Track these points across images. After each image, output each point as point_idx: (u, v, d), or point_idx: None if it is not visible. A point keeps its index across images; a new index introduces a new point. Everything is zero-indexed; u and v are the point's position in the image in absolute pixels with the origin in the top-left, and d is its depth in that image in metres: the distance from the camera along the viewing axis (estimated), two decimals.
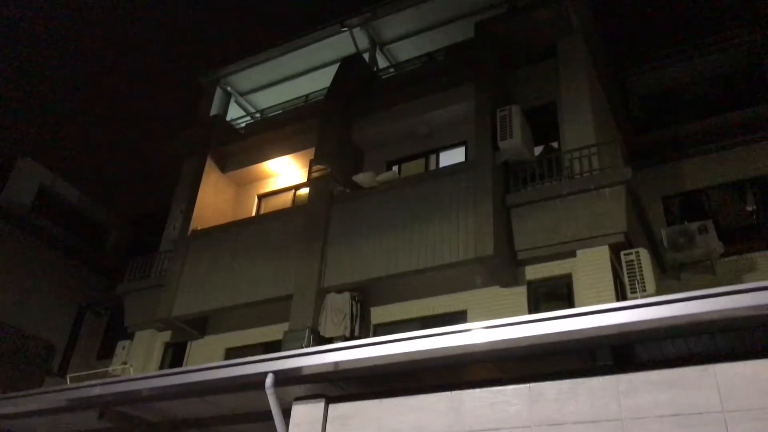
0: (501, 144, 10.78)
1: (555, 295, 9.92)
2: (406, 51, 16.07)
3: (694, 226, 11.09)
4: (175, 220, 14.95)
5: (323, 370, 5.72)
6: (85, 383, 7.13)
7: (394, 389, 5.67)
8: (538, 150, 11.67)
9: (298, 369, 5.78)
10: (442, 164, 12.72)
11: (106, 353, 16.07)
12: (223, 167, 15.40)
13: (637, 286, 8.80)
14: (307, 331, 10.88)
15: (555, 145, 11.55)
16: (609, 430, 4.49)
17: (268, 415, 5.99)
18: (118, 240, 19.73)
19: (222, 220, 14.39)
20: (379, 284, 11.20)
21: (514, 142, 10.68)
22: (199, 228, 14.13)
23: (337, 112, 13.70)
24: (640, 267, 9.06)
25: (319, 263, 11.69)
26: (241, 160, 15.28)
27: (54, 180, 18.41)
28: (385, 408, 5.58)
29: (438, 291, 10.86)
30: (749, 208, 12.02)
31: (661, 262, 11.56)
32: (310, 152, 13.71)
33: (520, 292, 10.20)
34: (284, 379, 5.84)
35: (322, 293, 11.44)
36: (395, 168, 13.20)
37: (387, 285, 11.16)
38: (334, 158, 12.93)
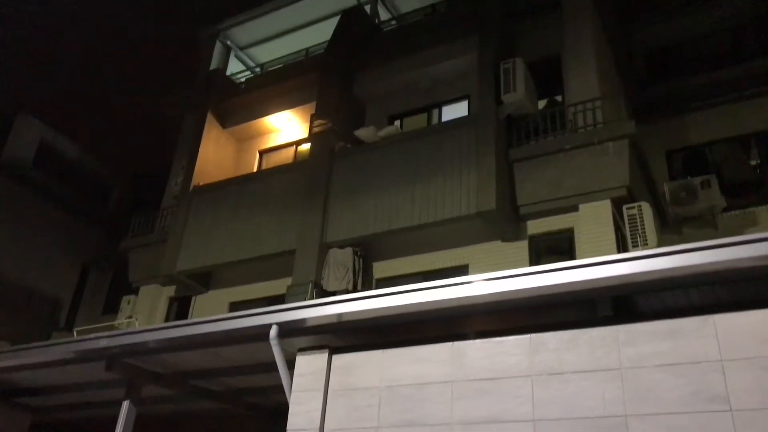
0: (504, 98, 10.68)
1: (556, 249, 9.97)
2: (408, 3, 15.78)
3: (696, 180, 11.05)
4: (176, 176, 14.95)
5: (326, 321, 5.77)
6: (92, 335, 7.22)
7: (396, 340, 5.73)
8: (541, 104, 11.56)
9: (302, 321, 5.84)
10: (444, 118, 12.64)
11: (112, 308, 16.27)
12: (224, 122, 15.31)
13: (638, 239, 8.83)
14: (310, 285, 10.98)
15: (559, 98, 11.43)
16: (608, 379, 4.55)
17: (272, 366, 6.08)
18: (121, 196, 19.75)
19: (223, 176, 14.39)
20: (380, 239, 11.25)
21: (518, 95, 10.58)
22: (200, 184, 14.13)
23: (338, 65, 13.54)
24: (642, 221, 9.07)
25: (321, 218, 11.72)
26: (241, 115, 15.19)
27: (54, 136, 18.32)
28: (387, 358, 5.66)
29: (440, 246, 10.91)
30: (753, 162, 11.96)
31: (663, 216, 11.57)
32: (311, 107, 13.61)
33: (522, 247, 10.25)
34: (288, 330, 5.91)
35: (324, 248, 11.50)
36: (397, 123, 13.12)
37: (389, 240, 11.21)
38: (335, 113, 12.83)
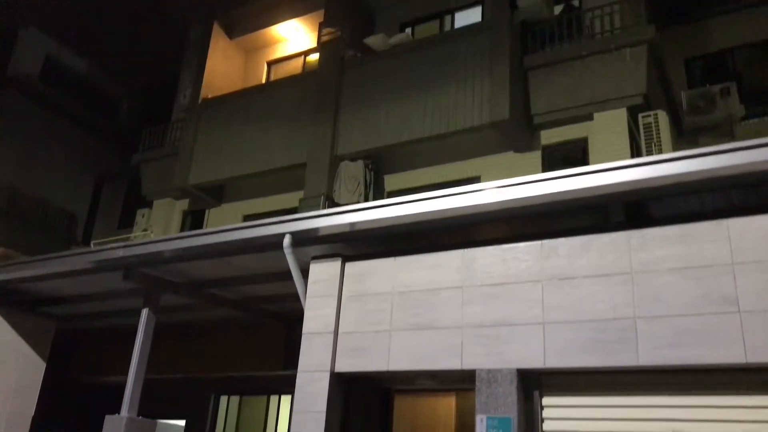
0: (519, 2, 10.29)
1: (570, 159, 9.86)
2: None
3: (716, 88, 10.74)
4: (185, 89, 14.77)
5: (339, 230, 5.83)
6: (109, 246, 7.36)
7: (408, 248, 5.80)
8: (557, 9, 11.15)
9: (315, 230, 5.90)
10: (457, 25, 12.25)
11: (127, 222, 16.48)
12: (231, 33, 14.95)
13: (653, 149, 8.71)
14: (322, 198, 11.02)
15: (575, 3, 11.01)
16: (618, 282, 4.61)
17: (287, 275, 6.20)
18: (130, 110, 19.60)
19: (232, 88, 14.19)
20: (392, 151, 11.17)
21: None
22: (209, 96, 13.97)
23: None
24: (658, 130, 8.93)
25: (332, 131, 11.61)
26: (248, 24, 14.79)
27: (60, 49, 18.00)
28: (399, 265, 5.74)
29: (451, 158, 10.84)
30: None
31: (679, 126, 11.35)
32: (320, 15, 13.22)
33: (535, 158, 10.16)
34: (301, 239, 5.98)
35: (335, 161, 11.46)
36: (408, 30, 12.73)
37: (400, 152, 11.13)
38: (345, 20, 12.46)
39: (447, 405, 9.16)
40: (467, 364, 5.02)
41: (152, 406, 8.10)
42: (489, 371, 4.88)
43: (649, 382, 4.45)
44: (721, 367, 4.14)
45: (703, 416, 4.22)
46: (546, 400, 4.81)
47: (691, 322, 4.24)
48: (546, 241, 5.05)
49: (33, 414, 8.91)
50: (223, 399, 11.40)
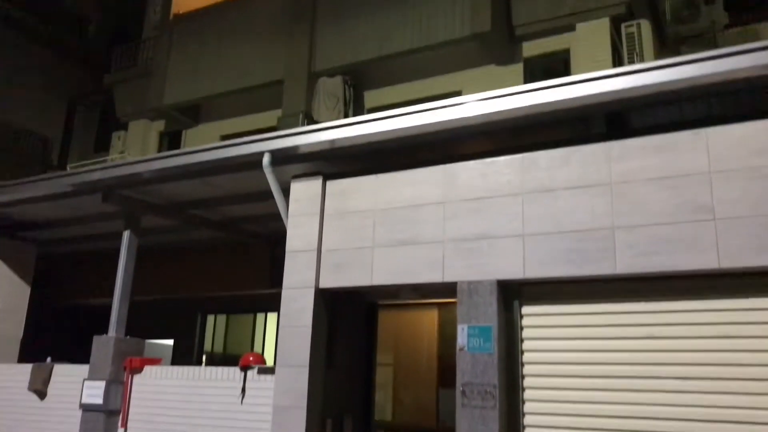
0: None
1: (552, 71, 9.72)
2: None
3: None
4: (155, 3, 14.18)
5: (319, 148, 5.77)
6: (86, 168, 7.24)
7: (389, 165, 5.77)
8: None
9: (295, 147, 5.83)
10: None
11: (103, 146, 16.17)
12: None
13: (635, 59, 8.61)
14: (301, 116, 10.86)
15: None
16: (598, 194, 4.65)
17: (268, 194, 6.17)
18: (99, 29, 18.86)
19: (204, 2, 13.62)
20: (371, 66, 10.93)
21: None
22: (181, 12, 13.44)
23: None
24: (640, 39, 8.81)
25: (308, 45, 11.31)
26: None
27: None
28: (381, 182, 5.73)
29: (432, 72, 10.65)
30: None
31: (661, 36, 11.19)
32: None
33: (517, 71, 10.02)
34: (281, 158, 5.92)
35: (313, 77, 11.22)
36: None
37: (380, 67, 10.91)
38: None
39: (430, 318, 9.42)
40: (449, 277, 5.11)
41: (140, 327, 8.23)
42: (470, 283, 4.98)
43: (626, 289, 4.58)
44: (695, 273, 4.26)
45: (677, 320, 4.38)
46: (525, 309, 4.94)
47: (668, 230, 4.32)
48: (527, 155, 5.05)
49: (21, 337, 9.02)
50: (210, 318, 11.61)
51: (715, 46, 10.78)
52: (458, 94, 10.27)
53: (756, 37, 10.56)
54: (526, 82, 9.84)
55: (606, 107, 4.65)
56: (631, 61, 8.62)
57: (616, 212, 4.53)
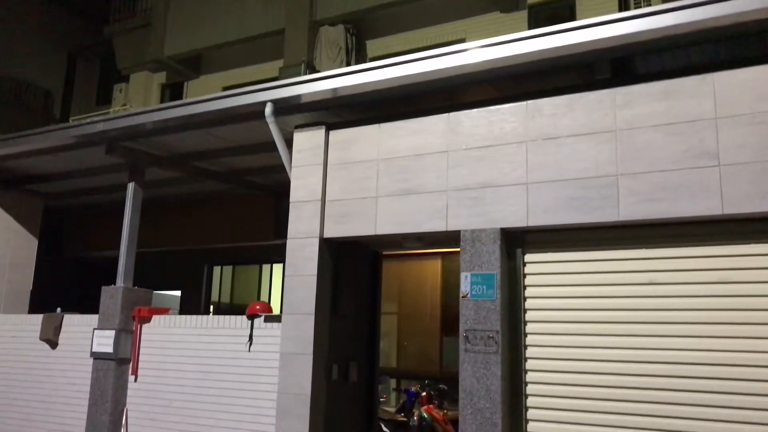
0: None
1: (557, 18, 9.56)
2: None
3: None
4: None
5: (321, 97, 5.72)
6: (89, 120, 7.22)
7: (392, 114, 5.73)
8: None
9: (297, 97, 5.79)
10: None
11: (105, 99, 16.10)
12: None
13: (642, 3, 8.43)
14: (303, 65, 10.75)
15: None
16: (602, 141, 4.62)
17: (271, 146, 6.16)
18: None
19: None
20: (374, 14, 10.77)
21: None
22: None
23: None
24: None
25: None
26: None
27: None
28: (384, 131, 5.71)
29: (435, 20, 10.49)
30: None
31: None
32: None
33: (521, 18, 9.87)
34: (283, 108, 5.88)
35: (315, 26, 11.05)
36: None
37: (382, 15, 10.74)
38: None
39: (433, 267, 9.52)
40: (452, 226, 5.13)
41: (148, 278, 8.33)
42: (473, 231, 5.01)
43: (629, 236, 4.59)
44: (698, 219, 4.27)
45: (679, 266, 4.41)
46: (528, 257, 4.98)
47: (672, 177, 4.31)
48: (531, 102, 5.01)
49: (30, 289, 9.15)
50: (217, 269, 11.74)
51: None
52: (462, 41, 10.12)
53: None
54: (530, 29, 9.68)
55: (612, 53, 4.58)
56: (638, 5, 8.44)
57: (621, 159, 4.52)
